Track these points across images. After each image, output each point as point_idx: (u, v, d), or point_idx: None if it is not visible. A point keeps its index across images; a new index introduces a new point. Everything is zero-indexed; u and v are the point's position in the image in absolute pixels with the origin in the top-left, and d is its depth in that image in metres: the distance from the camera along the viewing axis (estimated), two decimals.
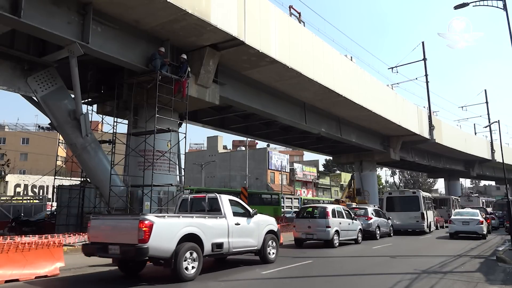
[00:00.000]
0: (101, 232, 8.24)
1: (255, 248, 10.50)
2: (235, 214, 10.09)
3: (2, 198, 26.81)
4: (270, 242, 10.84)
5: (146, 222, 7.51)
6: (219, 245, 9.19)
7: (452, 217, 21.26)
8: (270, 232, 10.98)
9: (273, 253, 10.94)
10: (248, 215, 10.47)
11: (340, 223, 15.90)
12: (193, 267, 8.16)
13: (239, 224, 9.93)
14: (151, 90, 15.84)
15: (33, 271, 8.30)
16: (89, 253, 8.38)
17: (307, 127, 26.24)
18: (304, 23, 20.94)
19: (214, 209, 10.07)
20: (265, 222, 11.04)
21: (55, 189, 19.01)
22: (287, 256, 12.32)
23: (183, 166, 18.18)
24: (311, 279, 8.26)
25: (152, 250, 7.46)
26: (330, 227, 15.15)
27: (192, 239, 8.31)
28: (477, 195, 46.75)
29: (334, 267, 10.49)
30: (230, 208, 10.02)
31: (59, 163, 20.68)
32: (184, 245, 8.04)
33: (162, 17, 14.19)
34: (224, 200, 10.11)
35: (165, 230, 7.85)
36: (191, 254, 8.16)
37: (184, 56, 16.02)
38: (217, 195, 10.29)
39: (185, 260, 7.99)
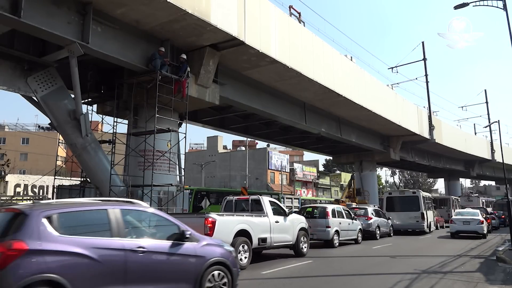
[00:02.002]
0: None
1: (291, 243, 12.11)
2: (275, 213, 11.69)
3: (2, 198, 26.81)
4: (302, 238, 12.55)
5: (210, 219, 8.86)
6: (264, 240, 10.79)
7: (453, 217, 21.34)
8: (302, 229, 12.69)
9: (305, 247, 12.62)
10: (284, 214, 12.15)
11: (340, 223, 15.91)
12: (245, 257, 9.63)
13: (278, 222, 11.50)
14: (151, 90, 15.84)
15: None
16: None
17: (307, 127, 26.24)
18: (304, 23, 20.96)
19: (256, 209, 11.84)
20: (298, 220, 12.80)
21: (55, 189, 19.01)
22: (287, 256, 12.35)
23: (183, 166, 18.18)
24: (311, 279, 8.27)
25: None
26: (330, 227, 15.17)
27: (243, 234, 9.77)
28: (477, 195, 46.78)
29: (334, 267, 10.50)
30: (270, 208, 11.71)
31: (59, 163, 20.67)
32: (238, 239, 9.52)
33: (162, 17, 14.19)
34: (266, 201, 11.90)
35: (224, 227, 9.20)
36: (243, 247, 9.62)
37: (184, 56, 16.02)
38: (260, 196, 12.21)
39: (239, 252, 9.36)
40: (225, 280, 6.12)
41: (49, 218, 4.78)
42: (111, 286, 4.93)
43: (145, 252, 5.30)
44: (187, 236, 5.85)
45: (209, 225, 8.83)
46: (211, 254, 6.10)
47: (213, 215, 9.26)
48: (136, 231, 5.64)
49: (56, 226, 4.78)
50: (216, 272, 6.03)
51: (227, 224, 9.54)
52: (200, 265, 5.85)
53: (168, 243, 5.68)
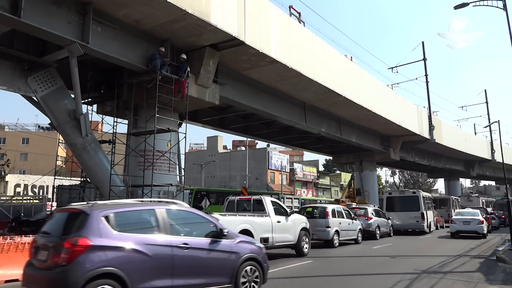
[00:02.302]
0: None
1: (292, 242, 12.23)
2: (276, 213, 11.85)
3: (2, 198, 26.79)
4: (304, 238, 12.69)
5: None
6: (266, 239, 10.83)
7: (453, 217, 21.37)
8: (304, 229, 12.82)
9: (306, 247, 12.73)
10: (286, 214, 12.29)
11: (340, 223, 15.92)
12: None
13: (280, 222, 11.63)
14: (151, 90, 15.83)
15: None
16: None
17: (307, 127, 26.24)
18: (304, 23, 20.95)
19: (258, 209, 11.94)
20: (299, 220, 12.96)
21: (55, 189, 19.01)
22: (286, 256, 12.34)
23: (183, 166, 18.17)
24: (311, 279, 8.27)
25: None
26: (330, 227, 15.17)
27: (246, 234, 9.54)
28: (477, 195, 46.78)
29: (334, 267, 10.49)
30: (272, 208, 11.87)
31: (59, 163, 20.66)
32: None
33: (162, 17, 14.19)
34: (268, 201, 12.07)
35: (227, 226, 8.97)
36: None
37: (184, 56, 16.01)
38: (262, 197, 12.35)
39: None
40: (256, 274, 6.64)
41: (106, 217, 5.29)
42: (161, 279, 5.41)
43: (189, 248, 5.81)
44: (225, 234, 6.38)
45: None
46: (244, 250, 6.58)
47: (215, 215, 9.39)
48: (180, 229, 6.10)
49: (113, 224, 5.29)
50: (248, 268, 6.52)
51: (230, 224, 9.60)
52: (235, 260, 6.36)
53: (208, 240, 6.19)
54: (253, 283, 6.53)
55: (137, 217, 5.83)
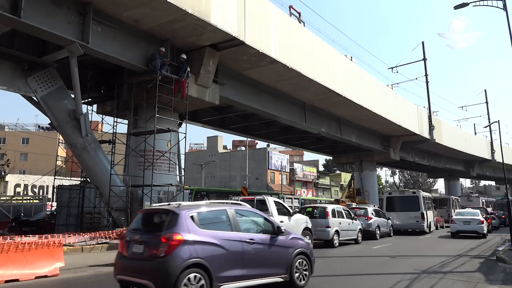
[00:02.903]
0: None
1: None
2: (279, 213, 12.13)
3: (2, 198, 26.80)
4: (306, 238, 12.21)
5: None
6: None
7: (454, 217, 21.38)
8: (306, 229, 13.11)
9: None
10: (289, 214, 12.64)
11: (340, 223, 15.91)
12: None
13: (283, 222, 11.70)
14: (151, 90, 15.84)
15: (33, 271, 8.30)
16: None
17: (307, 127, 26.24)
18: (304, 23, 20.96)
19: (261, 209, 11.54)
20: (302, 220, 13.32)
21: (55, 189, 19.01)
22: None
23: (183, 166, 18.18)
24: (311, 279, 8.24)
25: None
26: (330, 227, 15.16)
27: None
28: (477, 195, 46.73)
29: (334, 267, 10.49)
30: (275, 208, 12.17)
31: (59, 163, 20.68)
32: None
33: (162, 17, 14.19)
34: (271, 201, 12.38)
35: None
36: None
37: (184, 56, 16.02)
38: (265, 197, 12.68)
39: None
40: (306, 266, 7.51)
41: (192, 216, 6.18)
42: (234, 269, 6.33)
43: (254, 243, 6.73)
44: (282, 231, 7.31)
45: None
46: (296, 245, 7.49)
47: None
48: (246, 226, 6.99)
49: (197, 222, 6.19)
50: (300, 260, 7.40)
51: None
52: (290, 254, 7.25)
53: (268, 236, 7.09)
54: (303, 274, 7.41)
55: (213, 216, 6.73)
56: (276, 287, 7.04)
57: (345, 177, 64.36)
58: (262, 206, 12.49)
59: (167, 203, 7.42)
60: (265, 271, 6.84)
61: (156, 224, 6.41)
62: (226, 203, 7.59)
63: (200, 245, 6.00)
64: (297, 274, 7.27)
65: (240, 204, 7.47)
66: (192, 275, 5.74)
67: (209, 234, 6.24)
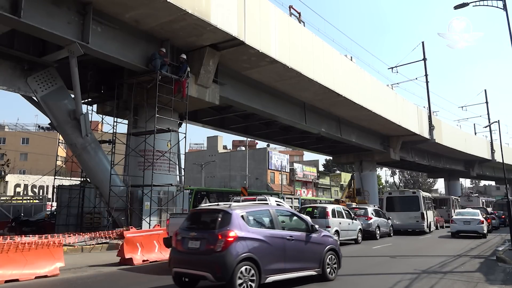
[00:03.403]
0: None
1: None
2: None
3: (2, 198, 26.81)
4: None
5: None
6: None
7: (454, 217, 21.40)
8: None
9: None
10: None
11: (340, 223, 15.91)
12: None
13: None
14: (151, 90, 15.85)
15: (33, 271, 8.30)
16: (170, 245, 9.92)
17: (307, 127, 26.24)
18: (304, 23, 20.96)
19: None
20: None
21: (55, 189, 19.01)
22: None
23: (183, 166, 18.19)
24: (310, 279, 8.24)
25: None
26: (330, 227, 15.14)
27: None
28: (477, 195, 46.68)
29: None
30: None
31: (59, 163, 20.68)
32: None
33: (162, 17, 14.19)
34: (272, 201, 12.48)
35: None
36: None
37: (184, 56, 16.02)
38: (267, 197, 13.04)
39: None
40: (335, 261, 8.29)
41: (242, 216, 6.92)
42: (277, 263, 7.08)
43: (293, 240, 7.49)
44: (316, 229, 8.11)
45: None
46: (327, 242, 8.28)
47: None
48: (285, 224, 7.78)
49: (246, 221, 6.93)
50: (330, 256, 8.16)
51: None
52: (322, 250, 8.04)
53: (304, 233, 7.83)
54: (333, 268, 8.19)
55: (258, 215, 7.47)
56: (309, 280, 7.74)
57: (345, 177, 64.35)
58: None
59: (216, 203, 8.45)
60: (302, 265, 7.58)
61: (210, 222, 7.10)
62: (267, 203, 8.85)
63: (250, 241, 6.71)
64: (328, 269, 8.05)
65: (279, 205, 8.67)
66: (244, 268, 6.47)
67: (257, 231, 6.98)
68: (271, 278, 6.90)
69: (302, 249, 7.67)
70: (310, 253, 7.81)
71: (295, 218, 8.24)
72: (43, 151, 43.80)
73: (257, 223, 7.25)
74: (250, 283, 6.50)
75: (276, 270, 7.03)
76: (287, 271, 7.24)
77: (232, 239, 6.47)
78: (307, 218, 8.42)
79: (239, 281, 6.37)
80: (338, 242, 8.68)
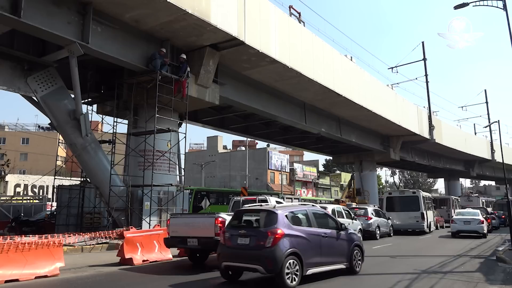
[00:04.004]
0: (180, 228, 9.91)
1: None
2: None
3: (2, 198, 26.80)
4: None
5: (220, 219, 9.34)
6: None
7: (454, 217, 21.42)
8: None
9: None
10: None
11: None
12: None
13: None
14: (151, 90, 15.84)
15: (33, 271, 8.30)
16: (171, 245, 10.36)
17: (307, 127, 26.24)
18: (304, 23, 20.95)
19: None
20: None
21: (55, 189, 19.01)
22: None
23: (183, 166, 18.19)
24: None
25: None
26: None
27: None
28: (477, 195, 46.64)
29: None
30: None
31: (59, 163, 20.67)
32: None
33: (162, 17, 14.19)
34: (273, 201, 12.65)
35: None
36: None
37: (184, 56, 16.01)
38: (267, 196, 13.29)
39: None
40: (360, 256, 9.19)
41: (286, 215, 7.77)
42: (315, 257, 7.93)
43: (327, 237, 8.35)
44: (344, 227, 8.98)
45: (219, 224, 9.20)
46: (353, 239, 9.18)
47: (223, 215, 9.50)
48: (319, 223, 8.55)
49: (289, 220, 7.76)
50: (356, 251, 9.05)
51: None
52: (349, 246, 8.91)
53: (334, 231, 8.68)
54: (358, 263, 9.10)
55: (298, 214, 8.27)
56: (338, 274, 8.60)
57: (345, 177, 64.35)
58: None
59: (259, 204, 9.61)
60: (334, 259, 8.45)
61: (257, 221, 8.01)
62: (305, 204, 9.69)
63: (294, 238, 7.51)
64: (354, 262, 8.93)
65: (314, 205, 9.43)
66: (290, 261, 7.26)
67: (298, 229, 7.80)
68: (310, 271, 7.72)
69: (334, 245, 8.53)
70: (339, 248, 8.67)
71: (326, 217, 9.09)
72: (43, 151, 43.79)
73: (298, 222, 8.03)
74: (294, 275, 7.29)
75: (314, 264, 7.86)
76: (322, 264, 8.11)
77: (280, 236, 7.24)
78: (336, 218, 9.41)
79: (287, 273, 7.16)
80: (361, 239, 9.70)
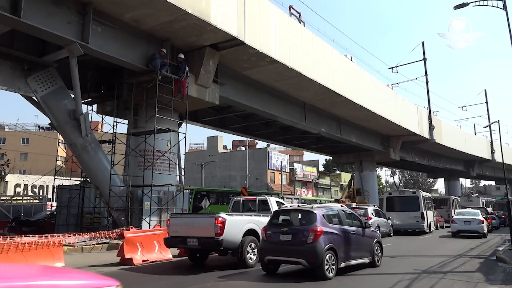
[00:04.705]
0: (180, 228, 9.95)
1: None
2: None
3: (2, 198, 26.81)
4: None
5: (220, 219, 9.36)
6: None
7: (454, 216, 21.44)
8: None
9: None
10: None
11: None
12: (254, 255, 9.88)
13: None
14: (151, 90, 15.85)
15: None
16: (171, 245, 10.47)
17: (307, 127, 26.24)
18: (304, 23, 20.95)
19: (263, 209, 12.43)
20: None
21: (55, 189, 19.02)
22: None
23: (183, 166, 18.19)
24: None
25: (225, 242, 9.24)
26: None
27: (252, 233, 9.99)
28: (477, 195, 46.64)
29: None
30: (277, 207, 12.26)
31: (59, 163, 20.68)
32: (247, 238, 9.82)
33: (162, 17, 14.19)
34: (273, 201, 12.79)
35: (234, 226, 9.61)
36: (251, 246, 9.86)
37: (182, 56, 16.02)
38: (267, 197, 13.12)
39: (247, 252, 9.73)
40: (380, 252, 10.24)
41: (323, 215, 8.68)
42: (346, 252, 8.82)
43: (355, 234, 9.35)
44: (368, 225, 10.12)
45: (219, 224, 9.23)
46: (375, 236, 10.33)
47: (223, 215, 9.51)
48: (348, 221, 9.53)
49: (326, 218, 8.69)
50: (376, 247, 10.06)
51: (236, 223, 9.76)
52: (371, 242, 9.93)
53: (360, 228, 9.67)
54: (379, 257, 10.13)
55: (332, 214, 9.19)
56: (361, 268, 9.55)
57: (345, 177, 64.34)
58: (264, 205, 12.63)
59: (297, 205, 11.22)
60: (360, 254, 9.38)
61: (297, 220, 8.94)
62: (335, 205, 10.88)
63: (330, 234, 8.39)
64: (376, 257, 9.90)
65: (342, 206, 10.45)
66: (328, 255, 8.14)
67: (333, 227, 8.68)
68: (343, 264, 8.64)
69: (360, 241, 9.44)
70: (364, 244, 9.61)
71: (352, 216, 9.99)
72: (43, 151, 43.79)
73: (331, 220, 8.87)
74: (332, 268, 8.20)
75: (346, 258, 8.78)
76: (352, 258, 9.03)
77: (319, 233, 8.12)
78: (360, 217, 10.44)
79: (326, 266, 8.06)
80: (380, 236, 10.91)
